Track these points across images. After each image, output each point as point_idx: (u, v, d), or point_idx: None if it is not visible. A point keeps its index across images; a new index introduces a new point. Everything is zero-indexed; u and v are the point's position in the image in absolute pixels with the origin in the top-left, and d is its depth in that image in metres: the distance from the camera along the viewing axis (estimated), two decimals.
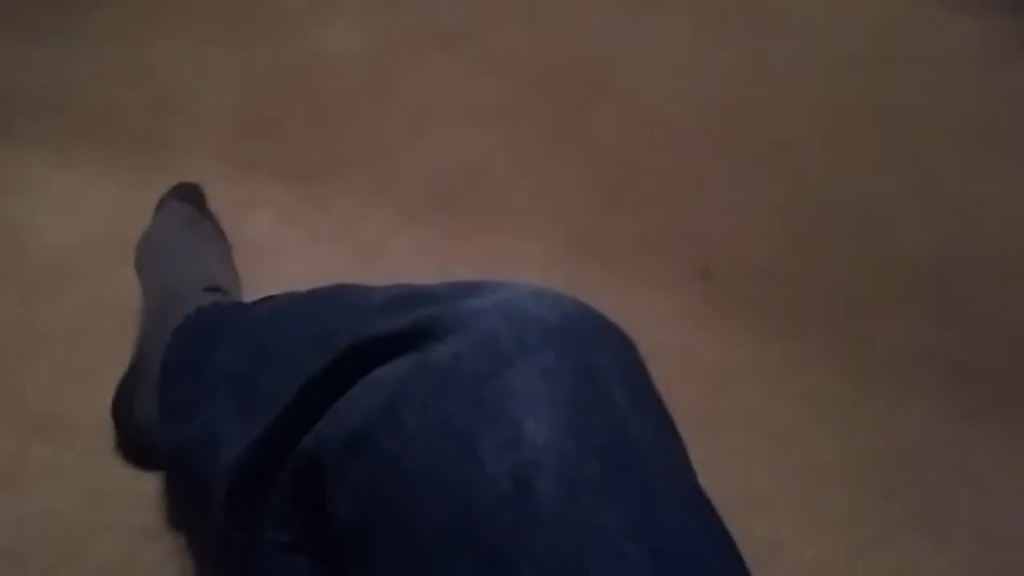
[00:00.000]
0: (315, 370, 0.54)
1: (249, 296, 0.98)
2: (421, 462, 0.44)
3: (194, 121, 1.27)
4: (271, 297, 0.76)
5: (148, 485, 0.89)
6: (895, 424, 0.94)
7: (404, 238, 1.14)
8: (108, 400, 0.93)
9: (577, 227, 1.15)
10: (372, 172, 1.22)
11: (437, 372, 0.47)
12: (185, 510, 0.77)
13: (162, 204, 1.03)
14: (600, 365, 0.47)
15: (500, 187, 1.21)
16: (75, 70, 1.33)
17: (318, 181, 1.20)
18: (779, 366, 0.98)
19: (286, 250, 1.12)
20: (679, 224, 1.16)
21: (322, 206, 1.17)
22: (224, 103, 1.29)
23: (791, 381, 0.97)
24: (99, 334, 1.02)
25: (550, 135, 1.28)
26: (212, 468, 0.62)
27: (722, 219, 1.16)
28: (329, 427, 0.51)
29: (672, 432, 0.48)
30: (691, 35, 1.44)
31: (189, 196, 1.03)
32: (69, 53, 1.35)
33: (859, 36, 1.45)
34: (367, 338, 0.51)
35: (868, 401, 0.95)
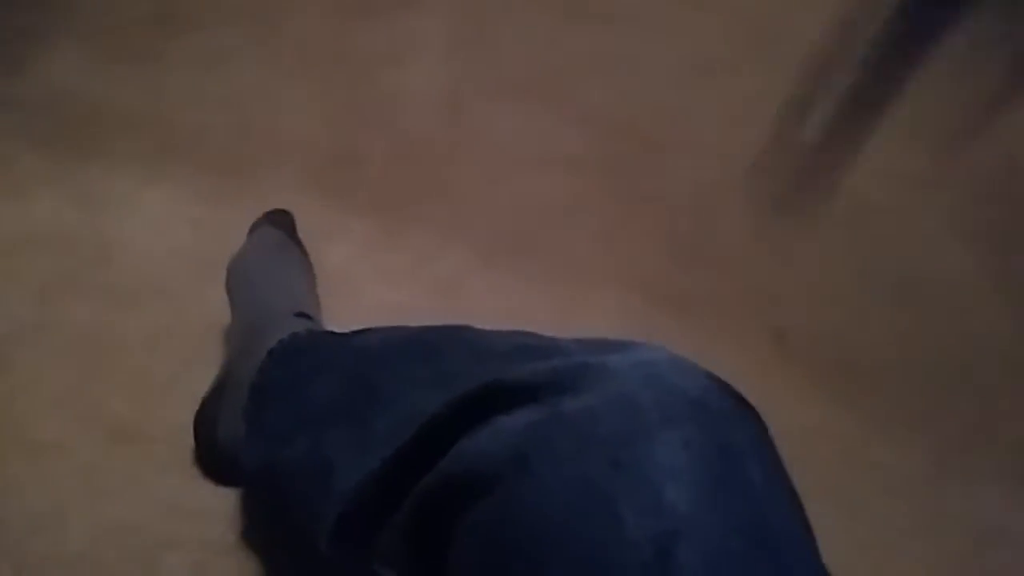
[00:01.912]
0: (437, 409, 0.55)
1: (328, 325, 1.01)
2: (557, 515, 0.45)
3: (279, 148, 1.30)
4: (369, 330, 0.78)
5: (223, 500, 0.90)
6: (969, 503, 0.94)
7: (478, 278, 1.16)
8: (186, 413, 0.94)
9: (651, 280, 1.17)
10: (449, 211, 1.24)
11: (572, 426, 0.47)
12: (269, 530, 0.79)
13: (255, 228, 1.05)
14: (739, 443, 0.47)
15: (575, 235, 1.22)
16: (166, 92, 1.36)
17: (395, 216, 1.22)
18: (854, 436, 0.99)
19: (361, 281, 1.14)
20: (755, 284, 1.17)
21: (398, 241, 1.19)
22: (308, 133, 1.32)
23: (865, 452, 0.97)
24: (179, 348, 1.04)
25: (626, 187, 1.29)
26: (319, 495, 0.63)
27: (798, 282, 1.17)
28: (453, 467, 0.51)
29: (802, 513, 0.48)
30: (770, 96, 1.45)
31: (281, 223, 1.06)
32: (160, 76, 1.39)
33: (931, 104, 1.46)
34: (496, 383, 0.52)
35: (942, 478, 0.95)
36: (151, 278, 1.11)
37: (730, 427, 0.48)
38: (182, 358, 1.02)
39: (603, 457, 0.45)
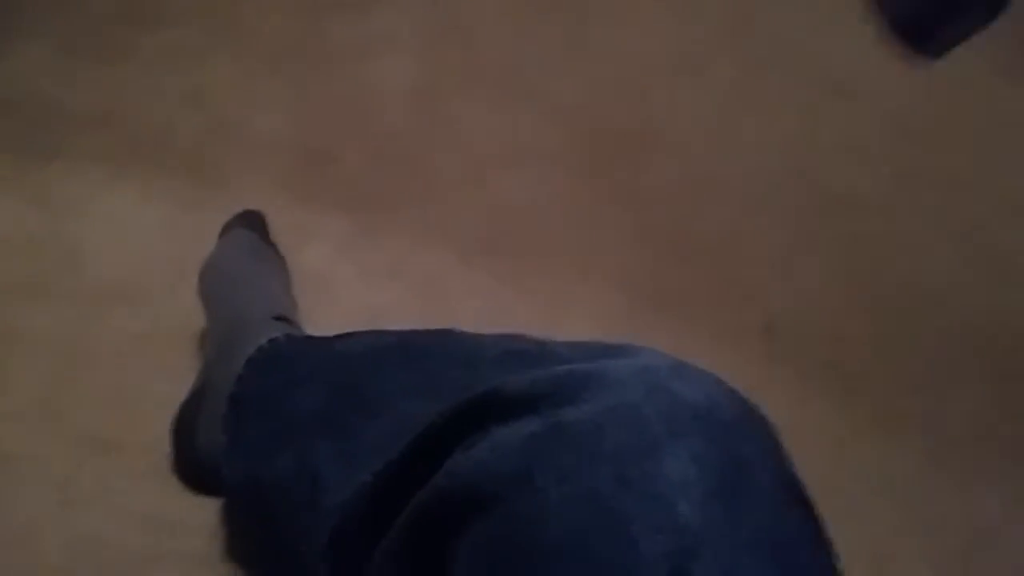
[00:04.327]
0: (429, 420, 0.53)
1: (305, 328, 0.98)
2: (566, 534, 0.43)
3: (247, 148, 1.27)
4: (352, 334, 0.76)
5: (203, 512, 0.88)
6: (962, 502, 0.93)
7: (456, 278, 1.14)
8: (161, 423, 0.92)
9: (631, 276, 1.15)
10: (425, 209, 1.22)
11: (574, 439, 0.46)
12: (254, 544, 0.76)
13: (226, 230, 1.03)
14: (748, 453, 0.46)
15: (552, 232, 1.21)
16: (131, 89, 1.33)
17: (371, 216, 1.20)
18: (843, 433, 0.98)
19: (338, 283, 1.12)
20: (736, 279, 1.16)
21: (375, 241, 1.17)
22: (277, 132, 1.30)
23: (855, 450, 0.97)
24: (152, 355, 1.01)
25: (602, 183, 1.28)
26: (308, 510, 0.61)
27: (781, 277, 1.17)
28: (450, 482, 0.49)
29: (817, 522, 0.47)
30: (746, 92, 1.45)
31: (253, 224, 1.03)
32: (126, 73, 1.35)
33: (916, 101, 1.46)
34: (493, 392, 0.50)
35: (935, 477, 0.95)
36: (121, 283, 1.08)
37: (739, 438, 0.47)
38: (155, 366, 1.00)
39: (610, 473, 0.44)
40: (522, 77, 1.43)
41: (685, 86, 1.44)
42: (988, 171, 1.38)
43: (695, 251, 1.20)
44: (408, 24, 1.47)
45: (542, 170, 1.29)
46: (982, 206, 1.32)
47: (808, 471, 0.95)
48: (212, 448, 0.83)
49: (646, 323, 1.09)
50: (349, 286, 1.12)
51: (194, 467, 0.88)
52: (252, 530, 0.75)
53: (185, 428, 0.89)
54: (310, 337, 0.85)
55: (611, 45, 1.50)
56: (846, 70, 1.50)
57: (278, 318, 0.90)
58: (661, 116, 1.39)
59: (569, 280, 1.15)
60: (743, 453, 0.46)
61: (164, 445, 0.91)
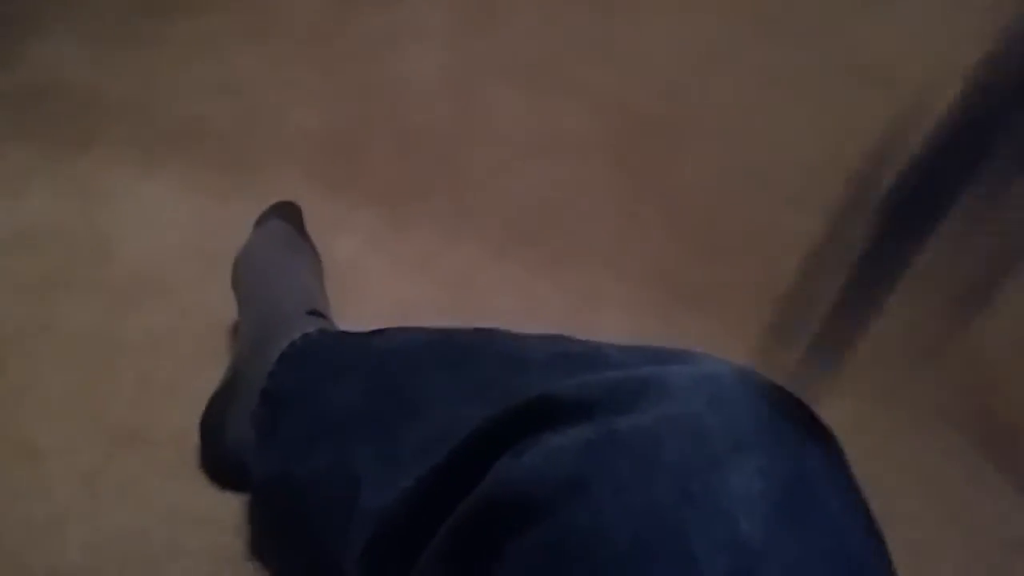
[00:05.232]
0: (476, 424, 0.51)
1: (336, 321, 0.97)
2: (623, 546, 0.41)
3: (279, 138, 1.26)
4: (390, 330, 0.74)
5: (230, 507, 0.87)
6: (1003, 507, 0.91)
7: (488, 271, 1.13)
8: (191, 416, 0.91)
9: (663, 269, 1.13)
10: (456, 201, 1.20)
11: (633, 449, 0.44)
12: (282, 541, 0.75)
13: (261, 221, 1.01)
14: (814, 468, 0.44)
15: (584, 223, 1.19)
16: (162, 79, 1.32)
17: (402, 207, 1.19)
18: (885, 431, 0.96)
19: (369, 276, 1.10)
20: (771, 273, 1.13)
21: (405, 233, 1.16)
22: (309, 123, 1.28)
23: (896, 447, 0.94)
24: (183, 348, 1.00)
25: (636, 174, 1.26)
26: (344, 513, 0.59)
27: None
28: (500, 489, 0.48)
29: (879, 538, 0.45)
30: (780, 81, 1.42)
31: (289, 215, 1.02)
32: (157, 61, 1.34)
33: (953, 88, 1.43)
34: (545, 398, 0.48)
35: (978, 479, 0.93)
36: (152, 275, 1.07)
37: (804, 452, 0.45)
38: (187, 358, 0.99)
39: (671, 486, 0.42)
40: (554, 67, 1.41)
41: (719, 75, 1.42)
42: None
43: (729, 243, 1.18)
44: (439, 13, 1.46)
45: (575, 161, 1.27)
46: None
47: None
48: (241, 443, 0.82)
49: (679, 317, 1.07)
50: (380, 279, 1.10)
51: (222, 462, 0.87)
52: (280, 527, 0.73)
53: (214, 422, 0.88)
54: (345, 332, 0.83)
55: (643, 35, 1.48)
56: (882, 57, 1.47)
57: (312, 312, 0.88)
58: (695, 106, 1.37)
59: (602, 273, 1.13)
60: (808, 468, 0.44)
61: (194, 440, 0.90)
